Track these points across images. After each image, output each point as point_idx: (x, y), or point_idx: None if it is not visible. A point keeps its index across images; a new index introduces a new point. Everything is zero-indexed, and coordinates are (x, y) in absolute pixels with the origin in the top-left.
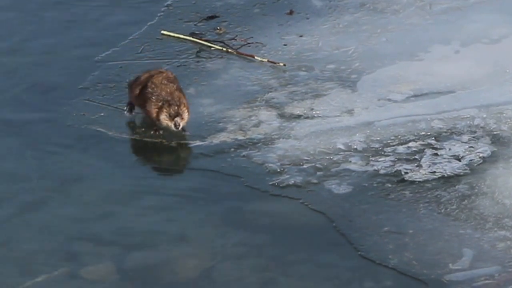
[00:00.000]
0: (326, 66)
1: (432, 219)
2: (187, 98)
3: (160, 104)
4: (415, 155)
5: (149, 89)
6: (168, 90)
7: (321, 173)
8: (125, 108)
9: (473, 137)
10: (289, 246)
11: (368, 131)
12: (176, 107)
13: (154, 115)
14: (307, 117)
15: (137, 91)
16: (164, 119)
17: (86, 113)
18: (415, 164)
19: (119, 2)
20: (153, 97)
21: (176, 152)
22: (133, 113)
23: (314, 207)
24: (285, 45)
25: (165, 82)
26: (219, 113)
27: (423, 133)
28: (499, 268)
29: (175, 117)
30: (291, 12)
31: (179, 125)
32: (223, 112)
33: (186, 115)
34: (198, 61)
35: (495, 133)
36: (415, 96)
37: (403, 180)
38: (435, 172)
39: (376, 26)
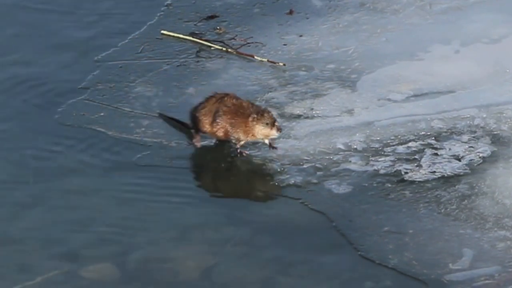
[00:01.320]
0: (326, 66)
1: (432, 219)
2: None
3: (249, 118)
4: (415, 155)
5: (224, 111)
6: (244, 105)
7: (321, 173)
8: (191, 142)
9: (473, 137)
10: (289, 246)
11: (368, 131)
12: (266, 113)
13: (245, 128)
14: (307, 117)
15: (207, 118)
16: (261, 129)
17: (86, 113)
18: (415, 164)
19: (119, 2)
20: (236, 115)
21: (176, 152)
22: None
23: (314, 207)
24: (285, 45)
25: (234, 101)
26: None
27: (423, 133)
28: (499, 268)
29: (273, 123)
30: (291, 12)
31: (281, 128)
32: None
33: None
34: (198, 61)
35: (495, 133)
36: (415, 96)
37: (403, 180)
38: (435, 172)
39: (376, 26)
